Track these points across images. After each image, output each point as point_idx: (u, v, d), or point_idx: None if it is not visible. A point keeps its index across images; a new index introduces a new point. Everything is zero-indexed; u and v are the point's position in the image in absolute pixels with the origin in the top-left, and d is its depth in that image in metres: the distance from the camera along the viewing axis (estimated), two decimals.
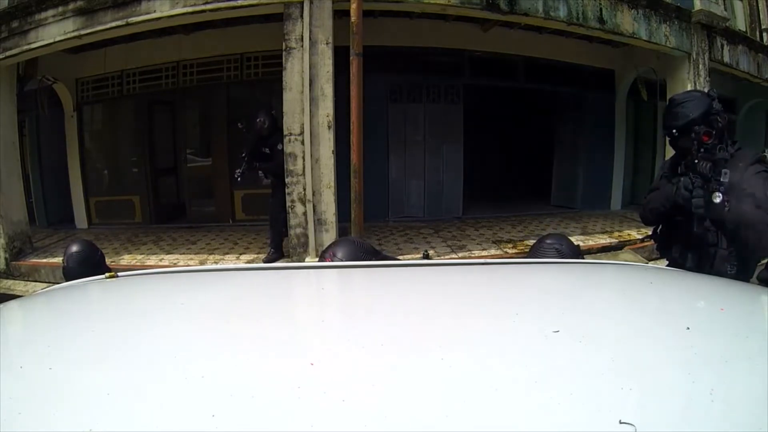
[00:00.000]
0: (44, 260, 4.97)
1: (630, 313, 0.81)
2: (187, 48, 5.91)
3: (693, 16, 5.62)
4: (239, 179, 4.57)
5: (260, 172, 4.70)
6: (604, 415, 0.46)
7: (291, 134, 4.31)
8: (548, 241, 1.39)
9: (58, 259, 3.23)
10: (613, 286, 1.02)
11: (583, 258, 1.35)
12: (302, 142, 4.27)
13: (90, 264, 1.98)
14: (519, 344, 0.64)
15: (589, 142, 7.04)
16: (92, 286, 1.06)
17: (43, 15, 4.58)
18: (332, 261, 1.31)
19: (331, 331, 0.74)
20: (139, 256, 4.99)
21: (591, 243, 5.20)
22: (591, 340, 0.63)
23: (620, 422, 0.43)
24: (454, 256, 4.76)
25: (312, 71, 4.21)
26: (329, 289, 1.03)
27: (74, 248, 2.00)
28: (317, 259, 4.20)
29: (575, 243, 1.44)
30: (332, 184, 4.36)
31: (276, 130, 4.45)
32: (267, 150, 4.56)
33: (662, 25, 5.46)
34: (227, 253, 5.01)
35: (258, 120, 4.51)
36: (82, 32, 4.52)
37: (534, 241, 1.45)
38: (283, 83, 4.29)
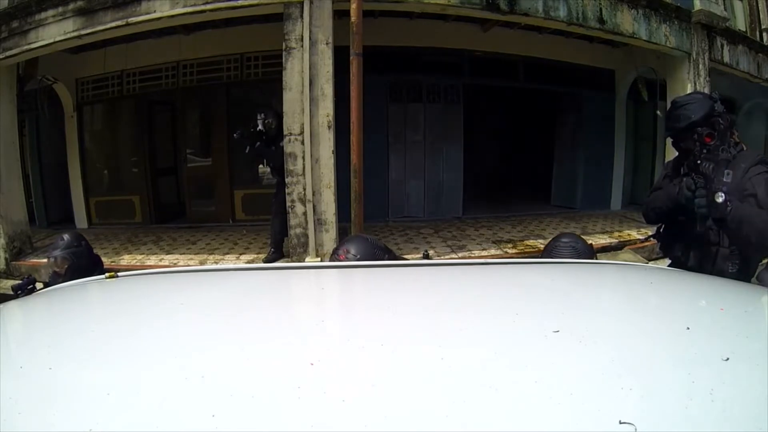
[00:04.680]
0: (44, 260, 4.96)
1: (630, 313, 0.81)
2: (187, 48, 5.91)
3: (693, 16, 5.62)
4: (240, 141, 4.59)
5: (265, 164, 4.69)
6: (604, 415, 0.46)
7: (291, 134, 4.30)
8: (564, 240, 1.39)
9: None
10: (613, 286, 1.02)
11: (597, 257, 1.35)
12: (302, 142, 4.27)
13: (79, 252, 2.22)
14: (519, 344, 0.64)
15: (589, 142, 7.03)
16: (92, 286, 1.06)
17: (43, 15, 4.58)
18: (346, 257, 1.30)
19: (331, 331, 0.74)
20: (139, 256, 4.99)
21: (591, 243, 5.18)
22: (591, 340, 0.63)
23: (620, 422, 0.43)
24: (454, 256, 4.75)
25: (312, 71, 4.21)
26: (329, 289, 1.03)
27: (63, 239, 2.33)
28: (318, 258, 4.23)
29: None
30: (332, 184, 4.36)
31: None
32: (275, 149, 4.55)
33: (662, 25, 5.46)
34: (227, 253, 5.01)
35: (267, 120, 4.49)
36: (82, 32, 4.52)
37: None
38: (283, 83, 4.28)
